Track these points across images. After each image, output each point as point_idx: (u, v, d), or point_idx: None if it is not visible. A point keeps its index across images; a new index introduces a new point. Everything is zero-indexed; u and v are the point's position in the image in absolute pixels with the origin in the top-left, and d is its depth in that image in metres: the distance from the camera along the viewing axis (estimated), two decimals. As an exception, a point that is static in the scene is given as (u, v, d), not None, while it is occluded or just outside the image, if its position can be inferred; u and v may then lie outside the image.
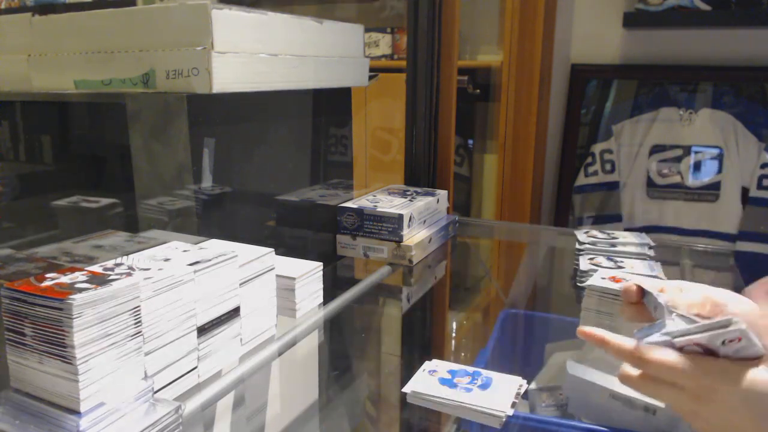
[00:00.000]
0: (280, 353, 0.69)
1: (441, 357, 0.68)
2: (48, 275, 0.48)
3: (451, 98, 1.26)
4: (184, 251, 0.61)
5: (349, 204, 1.03)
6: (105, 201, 0.80)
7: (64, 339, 0.44)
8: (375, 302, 0.98)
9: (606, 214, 1.69)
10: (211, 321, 0.60)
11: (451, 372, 0.65)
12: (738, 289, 1.08)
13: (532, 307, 1.12)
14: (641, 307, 0.56)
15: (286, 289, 0.73)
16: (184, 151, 0.72)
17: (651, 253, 0.98)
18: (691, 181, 1.61)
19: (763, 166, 1.53)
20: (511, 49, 1.60)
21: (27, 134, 0.86)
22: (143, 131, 0.74)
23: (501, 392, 0.61)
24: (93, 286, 0.46)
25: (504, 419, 0.57)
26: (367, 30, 1.65)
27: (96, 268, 0.51)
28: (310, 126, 0.98)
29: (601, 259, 0.94)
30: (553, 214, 1.82)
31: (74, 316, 0.43)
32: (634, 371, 0.48)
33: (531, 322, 1.07)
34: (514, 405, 0.59)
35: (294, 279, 0.72)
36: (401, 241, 0.98)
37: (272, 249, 0.68)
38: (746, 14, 1.48)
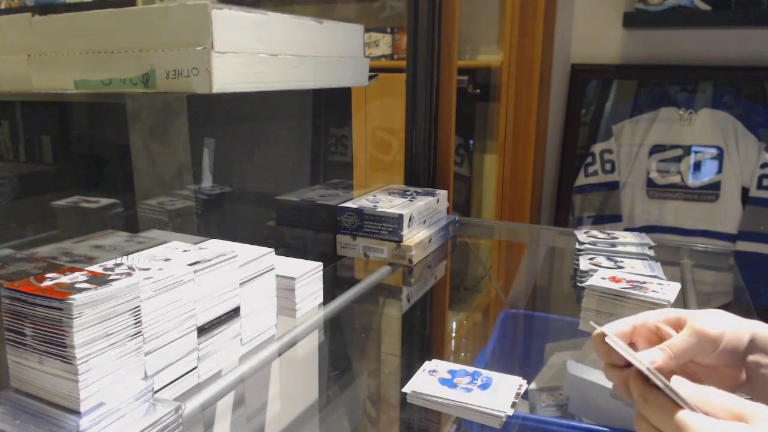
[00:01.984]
0: (280, 353, 0.69)
1: (441, 357, 0.68)
2: (48, 275, 0.48)
3: (451, 98, 1.26)
4: (184, 251, 0.61)
5: (349, 204, 1.03)
6: (105, 201, 0.80)
7: (64, 339, 0.44)
8: (375, 302, 0.98)
9: (606, 214, 1.69)
10: (211, 321, 0.60)
11: (451, 372, 0.65)
12: (738, 289, 1.08)
13: (532, 307, 1.12)
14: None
15: (286, 289, 0.73)
16: (184, 151, 0.72)
17: (651, 253, 0.98)
18: (691, 181, 1.61)
19: (763, 166, 1.53)
20: (511, 49, 1.60)
21: (27, 134, 0.86)
22: (143, 131, 0.74)
23: (501, 392, 0.61)
24: (93, 286, 0.46)
25: (504, 419, 0.57)
26: (367, 30, 1.65)
27: (96, 268, 0.51)
28: (310, 126, 0.98)
29: (601, 259, 0.94)
30: (553, 214, 1.82)
31: (74, 316, 0.43)
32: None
33: (531, 322, 1.07)
34: (514, 405, 0.59)
35: (294, 279, 0.72)
36: (401, 241, 0.98)
37: (272, 249, 0.68)
38: (746, 14, 1.48)
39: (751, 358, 0.48)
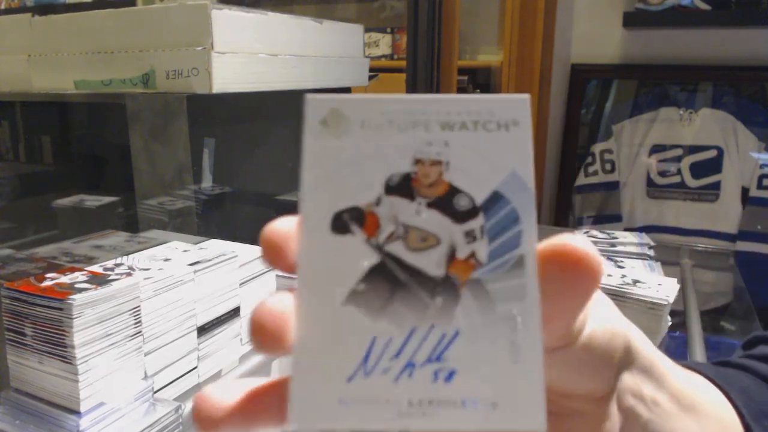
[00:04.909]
0: (280, 353, 0.69)
1: (441, 357, 0.68)
2: (48, 275, 0.48)
3: (451, 98, 1.26)
4: (184, 251, 0.61)
5: (349, 204, 1.02)
6: (105, 201, 0.80)
7: (64, 339, 0.44)
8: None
9: (606, 214, 1.69)
10: (211, 321, 0.60)
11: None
12: (738, 289, 1.08)
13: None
14: None
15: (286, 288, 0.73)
16: (184, 151, 0.72)
17: (651, 253, 0.97)
18: (691, 181, 1.61)
19: (763, 166, 1.53)
20: (511, 49, 1.60)
21: (27, 134, 0.86)
22: (143, 131, 0.74)
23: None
24: (93, 286, 0.46)
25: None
26: (367, 30, 1.65)
27: (96, 268, 0.51)
28: (310, 126, 0.98)
29: (601, 259, 0.93)
30: (553, 214, 1.82)
31: (74, 316, 0.43)
32: None
33: (531, 322, 1.06)
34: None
35: (294, 279, 0.72)
36: (401, 241, 0.98)
37: (272, 249, 0.68)
38: (746, 14, 1.48)
39: (628, 379, 0.24)
